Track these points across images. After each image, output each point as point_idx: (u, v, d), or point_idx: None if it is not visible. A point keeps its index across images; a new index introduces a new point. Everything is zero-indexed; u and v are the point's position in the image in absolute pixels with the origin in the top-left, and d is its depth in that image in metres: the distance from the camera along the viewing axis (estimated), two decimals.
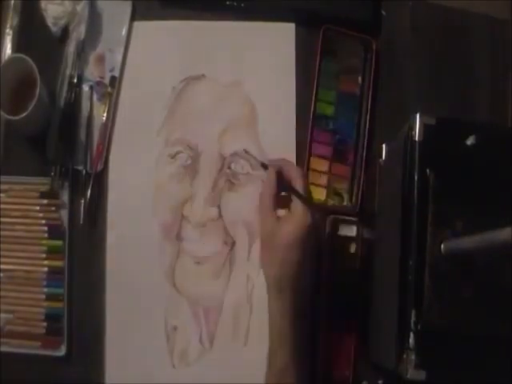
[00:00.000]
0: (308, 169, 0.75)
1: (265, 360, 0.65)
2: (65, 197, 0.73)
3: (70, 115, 0.74)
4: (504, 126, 0.77)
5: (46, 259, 0.72)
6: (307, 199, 0.61)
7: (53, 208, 0.73)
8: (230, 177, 0.74)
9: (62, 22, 0.74)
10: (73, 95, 0.74)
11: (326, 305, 0.72)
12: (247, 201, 0.74)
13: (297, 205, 0.61)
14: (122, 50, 0.76)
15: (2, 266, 0.72)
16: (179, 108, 0.76)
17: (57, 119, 0.74)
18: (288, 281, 0.60)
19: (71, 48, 0.75)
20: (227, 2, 0.77)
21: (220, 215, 0.73)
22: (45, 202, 0.73)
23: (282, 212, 0.63)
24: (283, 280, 0.61)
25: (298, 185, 0.62)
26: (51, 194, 0.73)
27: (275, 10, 0.77)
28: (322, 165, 0.76)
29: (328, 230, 0.73)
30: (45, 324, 0.71)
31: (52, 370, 0.71)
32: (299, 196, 0.61)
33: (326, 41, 0.77)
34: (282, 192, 0.64)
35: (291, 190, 0.62)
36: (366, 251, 0.73)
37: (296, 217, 0.60)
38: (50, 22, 0.74)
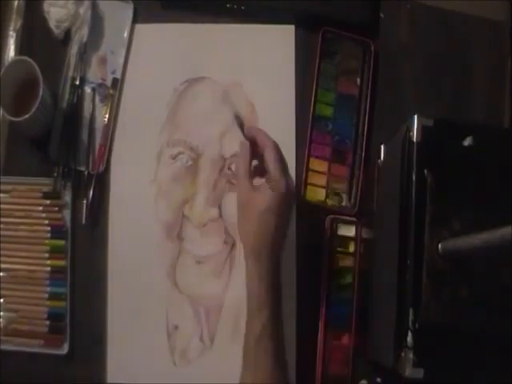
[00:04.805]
0: (307, 169, 0.76)
1: None
2: (67, 197, 0.74)
3: (73, 116, 0.75)
4: (501, 127, 0.78)
5: (48, 259, 0.73)
6: (273, 171, 0.62)
7: (55, 208, 0.74)
8: (230, 177, 0.75)
9: (65, 25, 0.75)
10: (75, 97, 0.75)
11: (325, 304, 0.73)
12: None
13: (270, 174, 0.62)
14: (123, 52, 0.77)
15: (6, 266, 0.72)
16: (180, 109, 0.77)
17: (59, 120, 0.75)
18: (264, 248, 0.62)
19: (74, 50, 0.76)
20: (227, 5, 0.78)
21: (220, 215, 0.74)
22: (47, 202, 0.74)
23: (258, 181, 0.64)
24: (259, 247, 0.62)
25: (270, 154, 0.63)
26: (54, 195, 0.74)
27: (275, 13, 0.78)
28: (321, 165, 0.76)
29: (327, 230, 0.74)
30: (47, 323, 0.72)
31: (54, 368, 0.71)
32: (268, 168, 0.62)
33: (325, 43, 0.78)
34: (255, 162, 0.65)
35: (262, 162, 0.63)
36: (365, 251, 0.74)
37: (270, 185, 0.62)
38: (52, 24, 0.75)
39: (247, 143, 0.64)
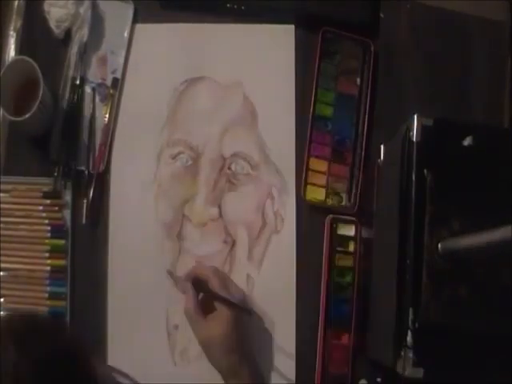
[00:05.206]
0: (307, 169, 0.76)
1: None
2: (67, 197, 0.74)
3: (73, 116, 0.75)
4: (501, 127, 0.78)
5: (48, 258, 0.73)
6: (223, 297, 0.66)
7: (56, 208, 0.74)
8: (230, 177, 0.75)
9: (65, 25, 0.75)
10: (75, 96, 0.75)
11: (325, 303, 0.73)
12: (247, 201, 0.75)
13: (218, 303, 0.67)
14: (123, 51, 0.77)
15: (6, 265, 0.72)
16: (180, 109, 0.77)
17: (60, 120, 0.75)
18: (238, 366, 0.65)
19: (74, 50, 0.76)
20: (228, 5, 0.78)
21: (220, 215, 0.74)
22: (48, 201, 0.74)
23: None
24: (233, 368, 0.65)
25: (214, 284, 0.67)
26: (54, 194, 0.74)
27: (275, 13, 0.78)
28: (321, 165, 0.76)
29: (327, 230, 0.74)
30: None
31: None
32: (216, 297, 0.66)
33: (325, 43, 0.78)
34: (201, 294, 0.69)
35: (210, 293, 0.67)
36: (365, 250, 0.74)
37: (220, 314, 0.66)
38: (52, 24, 0.75)
39: (189, 285, 0.67)
